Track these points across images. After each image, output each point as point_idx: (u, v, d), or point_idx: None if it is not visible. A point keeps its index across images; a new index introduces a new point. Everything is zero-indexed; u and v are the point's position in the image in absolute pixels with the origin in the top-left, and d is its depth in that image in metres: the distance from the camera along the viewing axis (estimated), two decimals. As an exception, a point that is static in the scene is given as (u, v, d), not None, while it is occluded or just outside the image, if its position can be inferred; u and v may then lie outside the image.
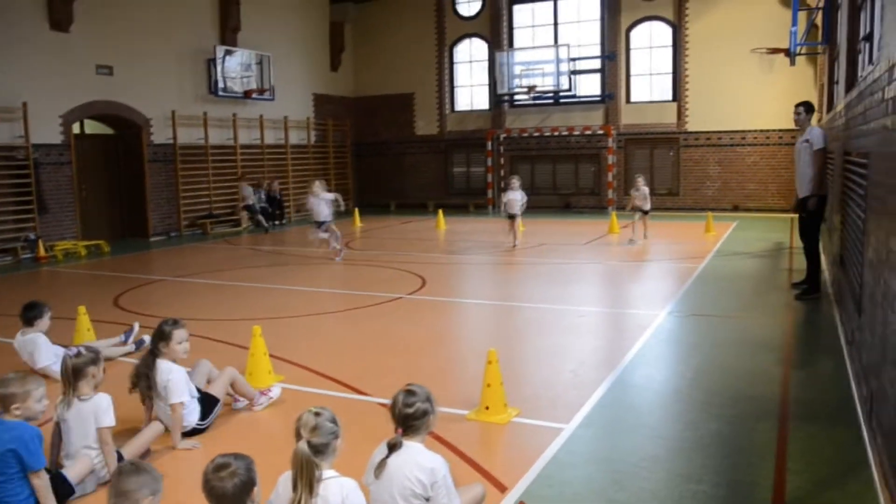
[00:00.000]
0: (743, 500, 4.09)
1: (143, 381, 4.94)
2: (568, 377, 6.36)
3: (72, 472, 4.13)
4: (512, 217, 14.57)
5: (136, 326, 7.67)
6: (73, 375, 4.26)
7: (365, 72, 25.56)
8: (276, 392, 5.73)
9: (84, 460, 4.21)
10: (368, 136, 25.71)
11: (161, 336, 4.97)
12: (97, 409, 4.26)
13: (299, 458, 3.03)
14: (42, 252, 14.92)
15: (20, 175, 15.35)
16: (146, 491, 2.90)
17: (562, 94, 22.79)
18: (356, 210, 20.90)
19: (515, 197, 14.51)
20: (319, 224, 13.80)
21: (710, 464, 4.51)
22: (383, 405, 5.49)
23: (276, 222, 20.64)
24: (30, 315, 6.66)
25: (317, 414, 3.14)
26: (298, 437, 3.08)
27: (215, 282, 11.66)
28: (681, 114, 21.65)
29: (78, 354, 4.30)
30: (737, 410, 5.45)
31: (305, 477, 3.01)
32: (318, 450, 3.06)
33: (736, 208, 20.96)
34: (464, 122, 24.48)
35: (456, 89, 24.90)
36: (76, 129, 17.08)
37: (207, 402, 5.15)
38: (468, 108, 24.77)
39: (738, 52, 20.24)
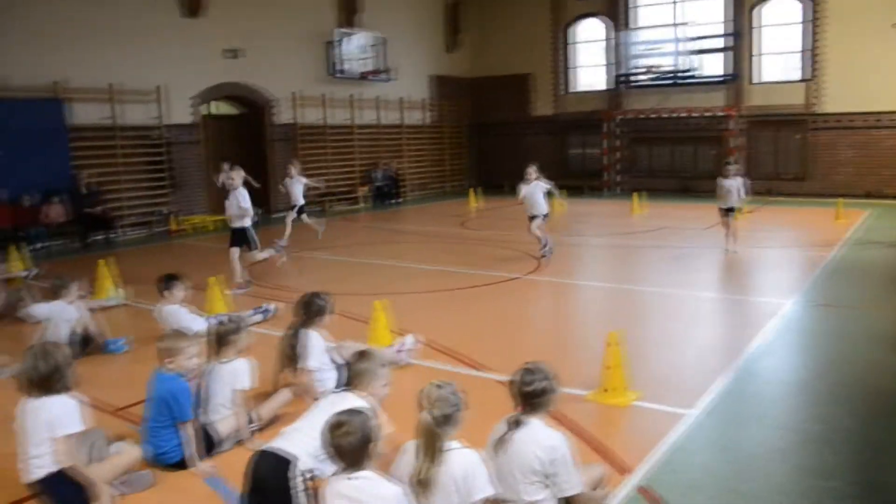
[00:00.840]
0: (878, 501, 3.92)
1: (288, 349, 5.20)
2: (690, 363, 6.25)
3: (218, 428, 4.43)
4: (729, 211, 11.36)
5: (274, 307, 8.01)
6: (217, 341, 4.57)
7: (481, 53, 25.55)
8: (409, 342, 6.10)
9: (229, 419, 4.49)
10: (485, 116, 25.70)
11: (312, 308, 5.28)
12: (236, 372, 4.54)
13: (422, 428, 3.12)
14: (174, 226, 15.83)
15: (155, 154, 16.28)
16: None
17: (682, 74, 22.08)
18: (472, 190, 21.01)
19: (734, 185, 11.23)
20: (300, 210, 13.27)
21: (839, 460, 4.35)
22: (502, 382, 5.55)
23: (393, 200, 21.05)
24: (166, 285, 7.03)
25: (439, 386, 3.23)
26: (421, 408, 3.16)
27: (334, 257, 12.03)
28: (810, 95, 20.57)
29: (223, 322, 4.61)
30: (866, 405, 5.22)
31: (428, 446, 3.10)
32: (441, 421, 3.13)
33: (869, 195, 19.77)
34: (581, 103, 24.12)
35: (573, 70, 24.56)
36: (205, 110, 17.90)
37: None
38: (585, 88, 24.40)
39: (877, 27, 19.04)
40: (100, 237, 14.83)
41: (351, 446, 2.95)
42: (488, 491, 3.16)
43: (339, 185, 20.51)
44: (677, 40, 21.65)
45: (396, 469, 3.26)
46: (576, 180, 23.45)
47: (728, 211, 11.33)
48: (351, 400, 3.58)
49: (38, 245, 13.71)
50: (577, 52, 24.44)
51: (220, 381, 4.56)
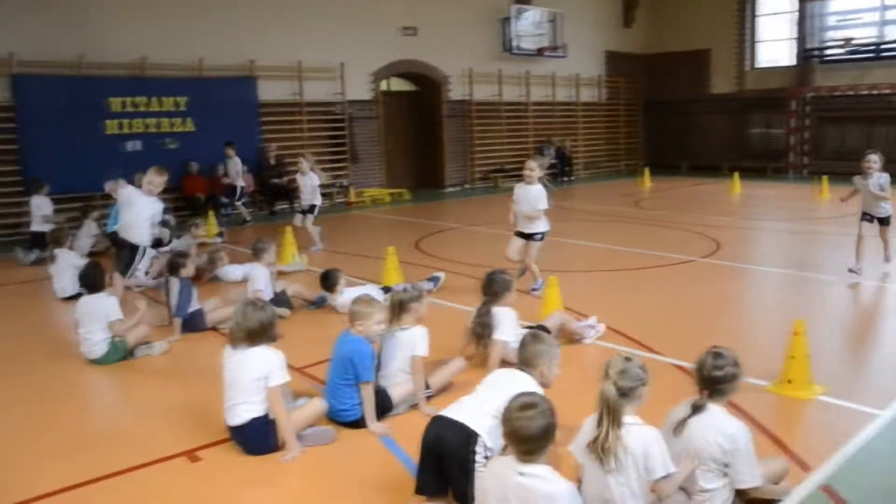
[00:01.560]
0: None
1: (477, 327, 5.39)
2: (884, 361, 5.80)
3: (394, 391, 4.63)
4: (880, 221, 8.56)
5: (442, 275, 8.23)
6: (398, 308, 4.77)
7: (658, 28, 24.62)
8: (594, 321, 6.22)
9: (405, 384, 4.69)
10: (660, 94, 24.73)
11: (495, 285, 5.45)
12: (414, 339, 4.71)
13: (605, 397, 3.09)
14: (353, 197, 16.58)
15: (336, 128, 17.07)
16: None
17: (886, 46, 20.24)
18: (646, 170, 20.44)
19: (877, 183, 8.47)
20: (305, 211, 11.18)
21: None
22: (678, 367, 5.42)
23: (565, 178, 20.88)
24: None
25: (627, 359, 3.20)
26: (606, 378, 3.14)
27: (505, 232, 12.10)
28: None
29: (405, 290, 4.81)
30: None
31: (610, 414, 3.07)
32: (624, 392, 3.10)
33: None
34: (764, 80, 22.71)
35: (757, 44, 23.18)
36: (382, 86, 18.48)
37: None
38: (769, 64, 22.97)
39: None
40: (284, 206, 15.76)
41: (533, 432, 2.85)
42: (669, 469, 3.10)
43: (510, 161, 20.57)
44: (883, 8, 19.87)
45: (575, 443, 3.27)
46: (756, 161, 22.22)
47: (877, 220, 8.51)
48: (521, 378, 3.61)
49: (229, 213, 14.78)
50: (761, 26, 23.02)
51: (398, 347, 4.76)
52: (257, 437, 4.17)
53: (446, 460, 3.42)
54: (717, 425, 3.26)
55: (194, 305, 6.85)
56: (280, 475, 4.04)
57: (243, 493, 3.92)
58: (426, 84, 19.34)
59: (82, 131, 13.41)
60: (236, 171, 14.14)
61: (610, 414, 3.07)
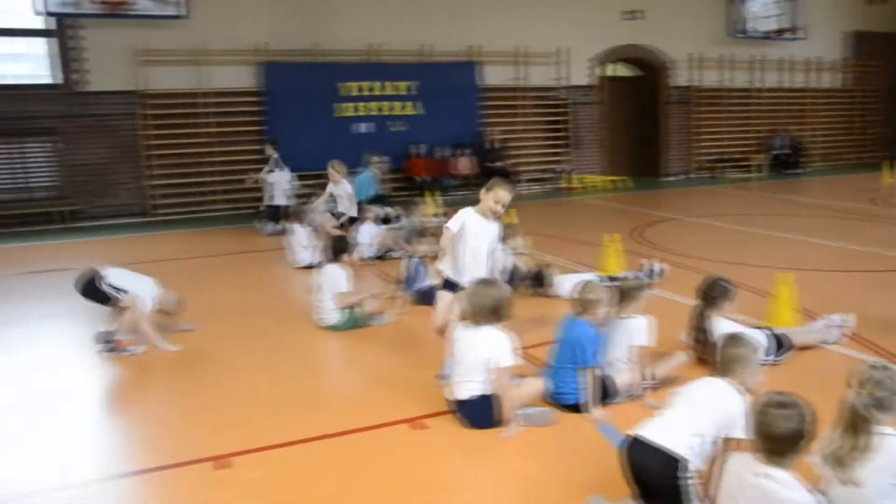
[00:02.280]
0: None
1: (695, 331, 5.25)
2: None
3: (618, 378, 4.60)
4: None
5: (654, 265, 8.00)
6: (623, 296, 4.74)
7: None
8: (838, 320, 5.77)
9: (627, 372, 4.65)
10: None
11: (714, 292, 5.25)
12: (635, 329, 4.64)
13: (846, 408, 2.89)
14: (568, 183, 16.52)
15: (556, 114, 17.07)
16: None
17: None
18: (887, 162, 18.55)
19: None
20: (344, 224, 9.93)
21: None
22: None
23: (793, 171, 19.51)
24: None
25: (873, 367, 2.94)
26: (849, 386, 2.92)
27: (726, 225, 11.57)
28: None
29: (629, 279, 4.74)
30: None
31: (850, 427, 2.86)
32: (871, 404, 2.86)
33: None
34: None
35: None
36: (602, 71, 18.19)
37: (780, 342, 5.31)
38: None
39: None
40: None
41: (781, 432, 2.70)
42: None
43: (733, 151, 19.54)
44: None
45: (818, 454, 3.06)
46: None
47: None
48: (720, 388, 3.39)
49: (448, 194, 15.26)
50: None
51: (620, 336, 4.70)
52: (480, 413, 4.29)
53: (653, 486, 3.27)
54: None
55: (427, 281, 7.16)
56: (499, 450, 4.14)
57: (462, 462, 4.07)
58: (649, 69, 18.81)
59: (318, 114, 14.46)
60: (282, 184, 12.15)
61: (850, 426, 2.86)
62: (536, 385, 4.50)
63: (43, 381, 5.50)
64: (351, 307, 6.46)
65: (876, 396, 2.86)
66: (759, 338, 5.06)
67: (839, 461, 2.87)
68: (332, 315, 6.42)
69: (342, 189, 10.07)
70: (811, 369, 5.24)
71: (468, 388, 4.30)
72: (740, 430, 3.19)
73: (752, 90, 19.82)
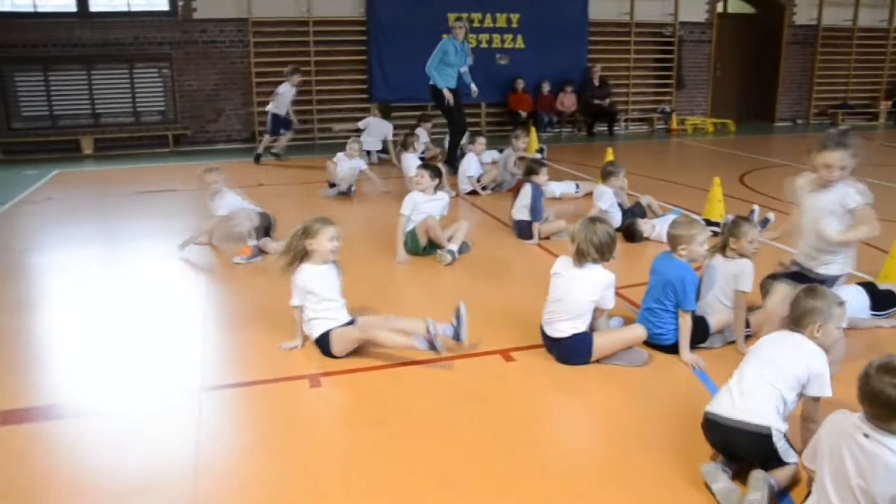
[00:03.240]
0: None
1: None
2: None
3: (712, 319, 4.47)
4: None
5: (756, 208, 7.68)
6: (727, 235, 4.57)
7: None
8: None
9: (723, 313, 4.50)
10: None
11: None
12: (740, 272, 4.46)
13: None
14: (674, 125, 15.96)
15: (664, 51, 16.42)
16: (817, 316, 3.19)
17: None
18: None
19: None
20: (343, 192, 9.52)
21: None
22: None
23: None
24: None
25: None
26: None
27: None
28: None
29: (737, 219, 4.56)
30: None
31: None
32: None
33: None
34: None
35: None
36: (720, 8, 17.29)
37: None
38: None
39: None
40: (603, 128, 15.63)
41: (890, 398, 2.51)
42: None
43: (857, 97, 18.37)
44: None
45: None
46: None
47: None
48: (800, 341, 3.20)
49: (550, 130, 15.01)
50: None
51: (720, 276, 4.55)
52: (576, 351, 4.27)
53: (747, 457, 3.13)
54: None
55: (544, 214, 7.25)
56: (587, 385, 4.12)
57: (550, 394, 4.06)
58: (767, 6, 17.72)
59: (423, 45, 14.27)
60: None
61: None
62: (639, 332, 4.39)
63: (150, 295, 5.79)
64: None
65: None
66: (852, 292, 4.82)
67: None
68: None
69: (357, 165, 9.52)
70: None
71: (569, 326, 4.26)
72: (823, 388, 3.09)
73: (884, 30, 18.39)
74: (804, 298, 3.27)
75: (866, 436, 2.55)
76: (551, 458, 3.40)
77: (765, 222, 7.50)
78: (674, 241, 4.44)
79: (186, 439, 3.56)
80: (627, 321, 4.69)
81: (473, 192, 9.36)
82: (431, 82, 10.53)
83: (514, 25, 14.95)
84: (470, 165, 9.47)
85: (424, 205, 6.53)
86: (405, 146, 9.83)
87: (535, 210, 7.02)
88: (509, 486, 3.15)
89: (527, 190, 7.08)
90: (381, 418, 3.75)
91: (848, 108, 18.11)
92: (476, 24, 14.71)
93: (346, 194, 9.36)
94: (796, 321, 3.26)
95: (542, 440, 3.60)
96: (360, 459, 3.38)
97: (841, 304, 3.28)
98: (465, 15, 12.68)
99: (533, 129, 13.19)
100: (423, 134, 11.70)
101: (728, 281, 4.51)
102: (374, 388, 4.11)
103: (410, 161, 9.33)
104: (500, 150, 10.36)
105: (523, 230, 7.11)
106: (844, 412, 2.69)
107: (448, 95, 10.39)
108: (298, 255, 4.47)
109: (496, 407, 3.88)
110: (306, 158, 12.60)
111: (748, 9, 18.11)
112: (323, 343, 4.39)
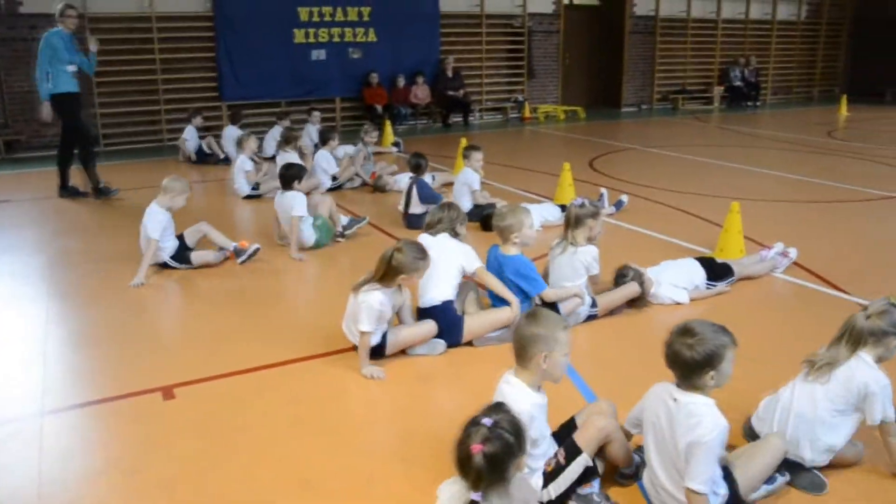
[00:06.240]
0: None
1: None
2: None
3: (562, 306, 4.61)
4: None
5: (605, 192, 8.00)
6: (573, 223, 4.67)
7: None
8: (779, 247, 5.93)
9: (571, 300, 4.66)
10: (875, 10, 21.34)
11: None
12: (585, 258, 4.63)
13: (854, 324, 3.07)
14: (527, 113, 16.39)
15: (515, 42, 16.81)
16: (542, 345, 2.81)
17: None
18: (843, 97, 18.64)
19: None
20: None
21: None
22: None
23: (750, 103, 19.55)
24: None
25: (893, 304, 3.07)
26: (865, 311, 3.11)
27: (682, 156, 11.62)
28: None
29: (582, 205, 4.67)
30: None
31: (850, 339, 3.06)
32: (873, 332, 3.03)
33: None
34: None
35: None
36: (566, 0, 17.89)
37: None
38: None
39: None
40: (458, 119, 15.84)
41: (686, 358, 2.68)
42: (890, 416, 2.99)
43: (693, 83, 19.49)
44: None
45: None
46: None
47: None
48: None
49: (405, 123, 15.05)
50: None
51: (568, 265, 4.68)
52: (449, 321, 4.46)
53: None
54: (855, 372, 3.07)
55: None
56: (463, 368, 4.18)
57: (415, 386, 4.10)
58: (611, -2, 18.51)
59: (273, 41, 13.98)
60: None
61: (849, 338, 3.05)
62: (508, 313, 4.50)
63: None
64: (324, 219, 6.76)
65: (875, 325, 3.03)
66: (689, 265, 5.18)
67: (812, 364, 3.10)
68: (308, 235, 6.56)
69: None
70: (758, 297, 5.33)
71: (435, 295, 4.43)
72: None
73: (713, 21, 19.58)
74: (524, 325, 2.85)
75: (675, 400, 2.73)
76: (414, 449, 3.42)
77: (619, 204, 7.85)
78: (505, 231, 4.55)
79: (29, 466, 3.33)
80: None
81: (335, 189, 9.21)
82: (50, 93, 8.99)
83: (366, 19, 14.86)
84: (327, 162, 9.32)
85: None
86: (287, 141, 9.32)
87: (431, 198, 7.21)
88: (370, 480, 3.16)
89: (414, 189, 7.34)
90: (242, 424, 3.66)
91: (687, 93, 19.21)
92: (328, 18, 14.51)
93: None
94: (518, 354, 2.85)
95: (405, 431, 3.62)
96: (220, 468, 3.28)
97: (566, 327, 2.90)
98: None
99: (388, 123, 13.20)
100: (276, 132, 11.42)
101: (577, 267, 4.65)
102: (232, 394, 4.00)
103: (320, 157, 9.34)
104: (355, 145, 10.30)
105: (416, 222, 7.15)
106: (664, 382, 2.86)
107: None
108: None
109: (360, 402, 3.87)
110: (154, 161, 12.08)
111: (593, 0, 18.83)
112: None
